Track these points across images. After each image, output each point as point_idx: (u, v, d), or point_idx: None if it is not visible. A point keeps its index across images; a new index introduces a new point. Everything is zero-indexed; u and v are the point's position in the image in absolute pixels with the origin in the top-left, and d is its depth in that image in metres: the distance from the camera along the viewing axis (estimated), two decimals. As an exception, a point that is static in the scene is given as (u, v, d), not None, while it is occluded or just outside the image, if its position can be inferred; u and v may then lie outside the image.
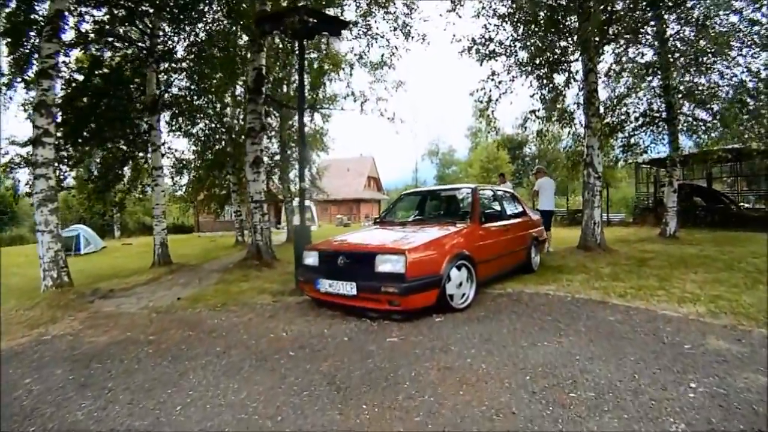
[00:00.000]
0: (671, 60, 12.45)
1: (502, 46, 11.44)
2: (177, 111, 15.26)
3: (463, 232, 6.17)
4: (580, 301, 5.82)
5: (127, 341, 4.97)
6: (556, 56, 11.41)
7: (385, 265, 5.14)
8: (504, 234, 7.17)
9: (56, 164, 11.63)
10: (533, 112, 11.90)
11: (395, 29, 12.23)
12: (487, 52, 11.38)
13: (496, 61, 11.54)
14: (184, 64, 14.03)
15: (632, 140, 14.77)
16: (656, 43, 12.57)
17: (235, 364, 4.01)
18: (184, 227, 45.13)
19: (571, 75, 11.55)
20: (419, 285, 5.02)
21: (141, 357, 4.37)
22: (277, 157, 20.42)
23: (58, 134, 11.80)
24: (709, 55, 11.89)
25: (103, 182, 14.53)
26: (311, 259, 6.21)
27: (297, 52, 9.07)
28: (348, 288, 5.28)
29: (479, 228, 6.51)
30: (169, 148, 16.47)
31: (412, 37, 12.22)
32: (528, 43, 11.23)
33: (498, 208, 7.65)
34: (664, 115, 13.98)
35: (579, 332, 4.44)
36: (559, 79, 11.81)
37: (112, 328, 5.64)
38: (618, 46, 12.02)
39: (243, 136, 13.45)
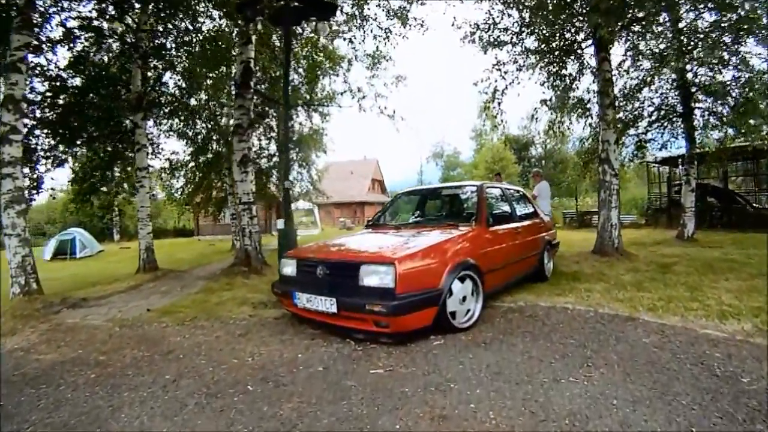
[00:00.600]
0: (685, 51, 11.68)
1: (508, 33, 10.61)
2: (168, 110, 14.64)
3: (468, 237, 5.26)
4: (605, 318, 4.91)
5: (74, 361, 4.36)
6: (567, 43, 10.56)
7: (371, 277, 4.25)
8: (514, 238, 6.25)
9: (33, 164, 11.16)
10: (544, 101, 11.04)
11: (389, 13, 11.47)
12: (491, 40, 10.56)
13: (501, 49, 10.72)
14: (173, 60, 13.52)
15: (648, 135, 13.98)
16: (669, 34, 11.77)
17: (180, 400, 3.27)
18: (185, 231, 44.72)
19: (583, 61, 10.73)
20: (413, 302, 4.10)
21: (80, 383, 3.75)
22: (276, 159, 19.79)
23: (37, 132, 11.56)
24: (727, 43, 11.13)
25: (89, 184, 13.87)
26: (289, 268, 5.31)
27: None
28: (327, 304, 4.40)
29: (486, 231, 5.60)
30: (161, 148, 15.87)
31: (410, 25, 11.46)
32: (536, 29, 10.39)
33: (507, 208, 6.72)
34: (680, 109, 13.20)
35: (611, 362, 3.56)
36: (572, 68, 11.00)
37: (67, 343, 5.05)
38: (631, 33, 11.13)
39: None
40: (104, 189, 14.83)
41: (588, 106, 11.21)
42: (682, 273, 7.57)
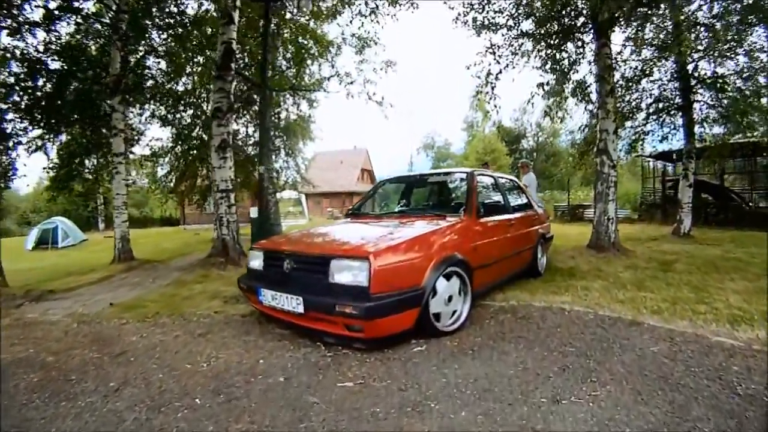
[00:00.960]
0: (687, 41, 11.24)
1: (503, 15, 10.08)
2: (149, 95, 14.15)
3: (456, 229, 4.69)
4: (606, 321, 4.39)
5: (21, 362, 3.93)
6: (565, 27, 10.05)
7: (343, 274, 3.69)
8: (507, 231, 5.72)
9: (6, 149, 10.78)
10: (541, 85, 10.51)
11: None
12: (485, 22, 10.03)
13: (495, 33, 10.23)
14: (154, 43, 13.17)
15: (647, 127, 13.56)
16: (670, 24, 11.31)
17: (119, 414, 2.82)
18: (172, 220, 44.30)
19: (583, 44, 10.26)
20: (390, 303, 3.55)
21: (21, 387, 3.34)
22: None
23: (10, 117, 11.07)
24: (733, 35, 10.70)
25: (67, 171, 13.40)
26: (256, 260, 4.75)
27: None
28: (294, 303, 3.85)
29: (476, 223, 5.04)
30: (144, 135, 15.61)
31: (399, 3, 10.98)
32: (533, 12, 9.89)
33: (499, 198, 6.08)
34: (679, 102, 12.76)
35: (618, 377, 3.06)
36: (571, 50, 10.51)
37: (20, 341, 4.63)
38: (632, 19, 10.64)
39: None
40: (86, 176, 14.45)
41: (588, 90, 10.72)
42: (684, 271, 7.15)
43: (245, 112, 17.14)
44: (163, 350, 4.05)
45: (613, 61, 10.20)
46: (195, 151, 17.06)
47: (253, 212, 7.37)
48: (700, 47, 11.26)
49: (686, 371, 3.14)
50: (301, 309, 3.81)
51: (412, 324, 3.79)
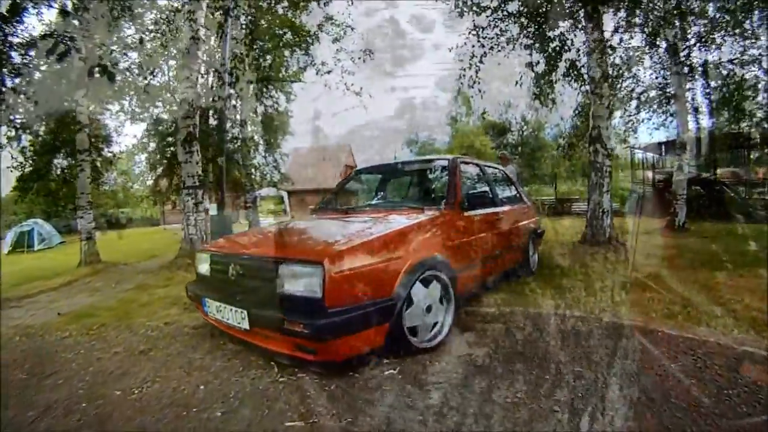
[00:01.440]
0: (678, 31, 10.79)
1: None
2: (118, 89, 13.68)
3: (437, 224, 3.98)
4: (614, 331, 3.73)
5: None
6: (555, 3, 9.50)
7: (292, 282, 2.96)
8: (496, 226, 5.06)
9: None
10: (530, 64, 9.97)
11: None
12: (468, 2, 9.46)
13: (479, 15, 9.64)
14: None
15: (640, 116, 13.17)
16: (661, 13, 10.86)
17: None
18: (154, 220, 43.79)
19: (575, 23, 9.73)
20: (351, 319, 2.86)
21: None
22: (239, 142, 18.84)
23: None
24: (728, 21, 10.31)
25: (32, 170, 12.97)
26: (204, 265, 4.04)
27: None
28: (238, 317, 3.17)
29: (460, 217, 4.33)
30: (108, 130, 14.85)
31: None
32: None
33: (486, 189, 5.37)
34: (671, 91, 12.32)
35: (640, 407, 2.42)
36: (562, 30, 10.00)
37: None
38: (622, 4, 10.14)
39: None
40: (55, 175, 13.97)
41: (581, 71, 10.20)
42: (688, 268, 6.57)
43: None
44: (96, 371, 3.49)
45: (606, 42, 9.71)
46: (172, 148, 16.53)
47: (212, 209, 6.74)
48: (690, 35, 10.90)
49: (719, 396, 2.55)
50: (246, 324, 3.13)
51: (381, 342, 3.11)
